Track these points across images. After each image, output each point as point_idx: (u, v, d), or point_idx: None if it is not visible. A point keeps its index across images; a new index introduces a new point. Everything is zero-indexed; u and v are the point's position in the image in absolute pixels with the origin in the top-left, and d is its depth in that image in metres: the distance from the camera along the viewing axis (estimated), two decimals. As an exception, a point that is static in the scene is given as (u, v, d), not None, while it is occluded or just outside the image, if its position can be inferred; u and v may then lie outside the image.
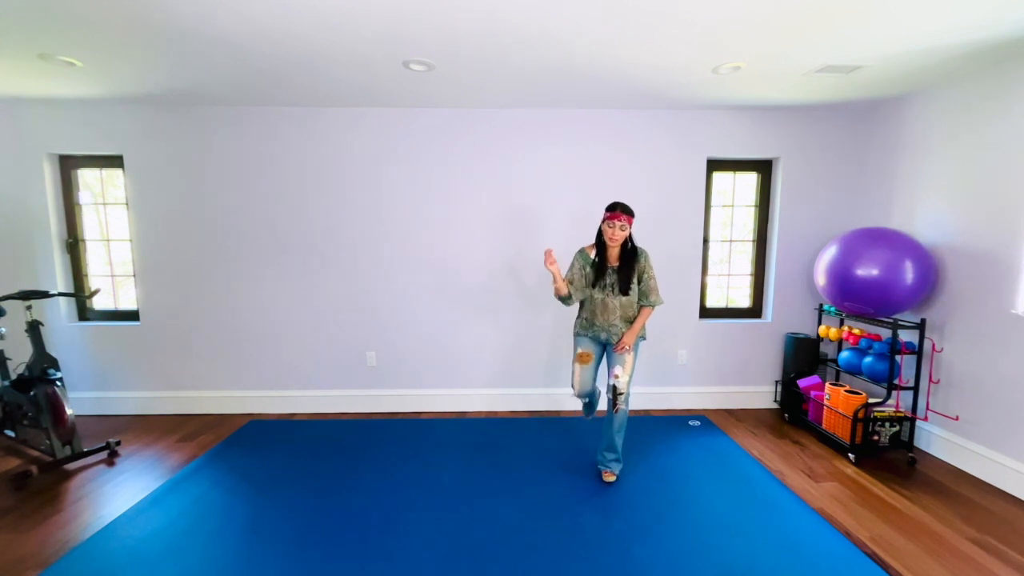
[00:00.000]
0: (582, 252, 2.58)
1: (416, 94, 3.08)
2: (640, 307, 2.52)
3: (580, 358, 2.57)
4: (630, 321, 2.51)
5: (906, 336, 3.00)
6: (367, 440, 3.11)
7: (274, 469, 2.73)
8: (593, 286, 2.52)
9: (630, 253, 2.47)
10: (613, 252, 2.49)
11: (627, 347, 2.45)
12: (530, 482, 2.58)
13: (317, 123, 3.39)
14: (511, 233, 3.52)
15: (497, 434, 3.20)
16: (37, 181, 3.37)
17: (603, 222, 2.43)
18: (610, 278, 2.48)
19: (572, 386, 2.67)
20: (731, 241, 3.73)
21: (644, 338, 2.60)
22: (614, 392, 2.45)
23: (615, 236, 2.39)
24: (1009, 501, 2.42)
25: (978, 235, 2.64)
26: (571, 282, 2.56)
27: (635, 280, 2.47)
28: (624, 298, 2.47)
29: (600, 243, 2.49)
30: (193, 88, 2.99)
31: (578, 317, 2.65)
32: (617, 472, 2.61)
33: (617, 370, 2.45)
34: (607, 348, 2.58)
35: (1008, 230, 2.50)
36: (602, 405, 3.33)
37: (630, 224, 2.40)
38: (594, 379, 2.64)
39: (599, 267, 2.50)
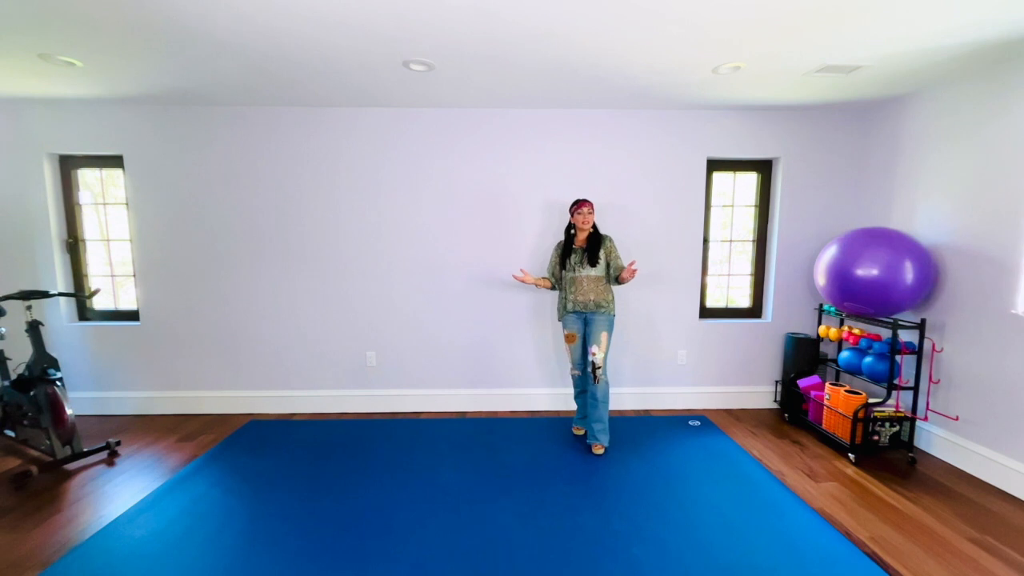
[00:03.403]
0: (557, 244, 3.07)
1: (416, 94, 3.08)
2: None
3: (567, 339, 3.00)
4: (603, 299, 2.86)
5: (906, 336, 3.00)
6: (367, 440, 3.11)
7: (274, 469, 2.73)
8: (563, 267, 2.96)
9: (595, 237, 2.91)
10: (581, 236, 2.94)
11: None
12: (530, 482, 2.58)
13: (317, 123, 3.39)
14: (511, 232, 3.52)
15: (497, 434, 3.20)
16: (37, 181, 3.37)
17: (572, 215, 2.91)
18: (577, 256, 2.90)
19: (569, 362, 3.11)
20: (731, 241, 3.73)
21: (614, 315, 2.94)
22: (593, 367, 2.84)
23: (586, 220, 2.87)
24: (1009, 501, 2.42)
25: (978, 235, 2.64)
26: (553, 274, 3.07)
27: (601, 255, 2.87)
28: (592, 270, 2.86)
29: (570, 235, 2.97)
30: (193, 88, 2.99)
31: (559, 301, 3.04)
32: (605, 444, 2.91)
33: (594, 348, 2.84)
34: (588, 325, 2.90)
35: (1008, 230, 2.50)
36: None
37: (593, 209, 2.89)
38: (583, 353, 2.99)
39: (567, 250, 2.94)
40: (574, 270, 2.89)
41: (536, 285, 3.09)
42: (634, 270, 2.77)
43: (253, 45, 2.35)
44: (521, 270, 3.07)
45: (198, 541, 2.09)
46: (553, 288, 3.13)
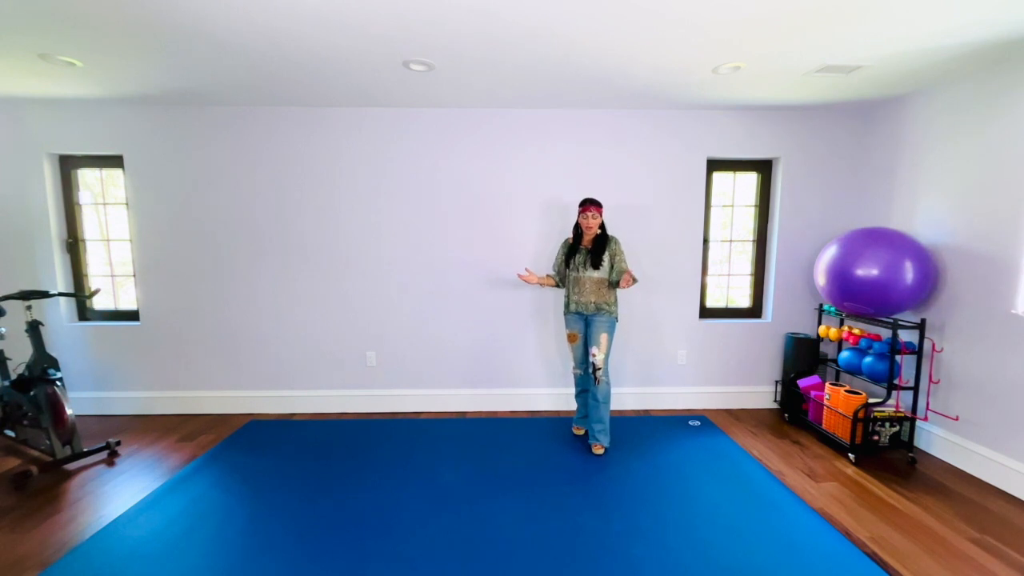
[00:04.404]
0: (564, 241, 3.04)
1: (416, 94, 3.08)
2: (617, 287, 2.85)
3: (569, 338, 3.03)
4: (604, 301, 2.85)
5: (906, 336, 3.00)
6: (367, 440, 3.11)
7: (274, 469, 2.73)
8: (567, 265, 2.95)
9: (602, 238, 2.88)
10: (587, 237, 2.91)
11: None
12: (530, 482, 2.58)
13: (317, 123, 3.39)
14: (511, 232, 3.52)
15: (497, 434, 3.20)
16: (37, 181, 3.37)
17: (579, 215, 2.86)
18: (581, 256, 2.88)
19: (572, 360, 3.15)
20: (731, 241, 3.73)
21: (617, 319, 2.92)
22: (593, 368, 2.87)
23: (591, 224, 2.84)
24: (1009, 501, 2.42)
25: (978, 235, 2.64)
26: (558, 272, 3.07)
27: (605, 258, 2.84)
28: (595, 273, 2.84)
29: (577, 233, 2.95)
30: (193, 88, 2.99)
31: (565, 297, 3.02)
32: (605, 444, 2.91)
33: (594, 349, 2.86)
34: (589, 327, 2.90)
35: (1008, 230, 2.50)
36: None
37: (600, 213, 2.85)
38: (585, 353, 2.99)
39: (573, 249, 2.94)
40: (577, 271, 2.87)
41: (540, 284, 3.09)
42: (631, 279, 2.71)
43: (253, 45, 2.35)
44: (526, 269, 3.07)
45: (198, 541, 2.09)
46: (558, 286, 3.10)
